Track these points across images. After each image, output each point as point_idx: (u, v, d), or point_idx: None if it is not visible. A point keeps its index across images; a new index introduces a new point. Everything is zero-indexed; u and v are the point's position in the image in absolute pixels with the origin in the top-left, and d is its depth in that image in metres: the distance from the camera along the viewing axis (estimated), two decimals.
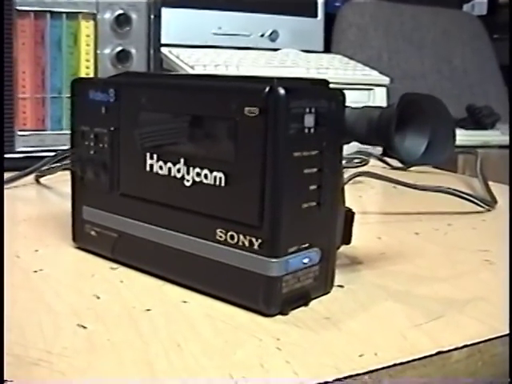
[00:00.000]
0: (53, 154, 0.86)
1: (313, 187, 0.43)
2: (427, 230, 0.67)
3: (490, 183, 0.86)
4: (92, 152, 0.52)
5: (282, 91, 0.40)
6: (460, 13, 2.14)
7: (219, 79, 0.47)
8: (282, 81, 0.41)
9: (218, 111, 0.43)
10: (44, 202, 0.80)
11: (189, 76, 0.51)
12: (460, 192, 0.75)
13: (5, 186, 0.80)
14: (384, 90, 1.21)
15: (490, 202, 0.77)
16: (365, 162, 0.94)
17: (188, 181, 0.45)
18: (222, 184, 0.43)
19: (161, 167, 0.47)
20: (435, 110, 0.45)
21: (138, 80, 0.52)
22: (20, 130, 0.92)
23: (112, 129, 0.50)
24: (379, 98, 1.19)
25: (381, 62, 1.75)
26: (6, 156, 0.90)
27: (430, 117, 0.45)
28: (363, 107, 0.46)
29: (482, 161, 0.92)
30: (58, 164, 0.84)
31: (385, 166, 1.04)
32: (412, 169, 1.02)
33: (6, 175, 0.81)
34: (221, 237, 0.44)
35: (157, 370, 0.35)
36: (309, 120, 0.41)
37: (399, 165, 1.03)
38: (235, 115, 0.41)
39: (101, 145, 0.52)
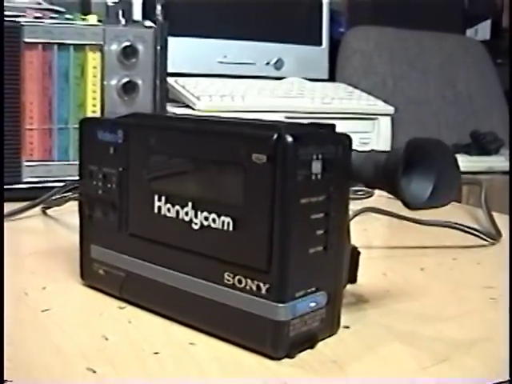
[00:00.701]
0: (59, 184, 0.87)
1: (320, 232, 0.43)
2: (432, 264, 0.68)
3: (495, 214, 0.86)
4: (100, 191, 0.53)
5: (289, 139, 0.40)
6: (463, 38, 2.15)
7: (228, 124, 0.47)
8: (289, 127, 0.42)
9: (227, 156, 0.43)
10: (51, 234, 0.80)
11: (198, 119, 0.52)
12: (464, 226, 0.75)
13: (11, 218, 0.80)
14: (389, 119, 1.22)
15: (495, 235, 0.77)
16: (369, 195, 0.94)
17: (196, 224, 0.45)
18: (230, 228, 0.43)
19: (169, 209, 0.47)
20: (441, 154, 0.46)
21: (147, 122, 0.52)
22: (27, 161, 0.93)
23: (121, 169, 0.51)
24: (384, 128, 1.20)
25: (385, 88, 1.76)
26: (12, 187, 0.91)
27: (435, 161, 0.46)
28: (370, 151, 0.46)
29: (486, 191, 0.93)
30: (67, 194, 0.85)
31: (390, 196, 1.04)
32: None
33: (12, 206, 0.82)
34: (228, 280, 0.44)
35: None
36: (316, 166, 0.42)
37: None
38: (243, 161, 0.42)
39: (109, 185, 0.52)
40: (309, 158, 0.41)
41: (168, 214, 0.47)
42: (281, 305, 0.42)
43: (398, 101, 1.53)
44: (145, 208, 0.49)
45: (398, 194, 0.44)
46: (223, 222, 0.44)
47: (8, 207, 0.81)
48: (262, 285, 0.42)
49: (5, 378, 0.35)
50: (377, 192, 0.99)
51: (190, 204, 0.46)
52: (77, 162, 0.92)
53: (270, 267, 0.42)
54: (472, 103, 1.96)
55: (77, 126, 0.92)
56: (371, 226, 0.84)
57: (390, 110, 1.23)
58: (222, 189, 0.44)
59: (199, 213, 0.45)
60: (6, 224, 0.78)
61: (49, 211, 0.86)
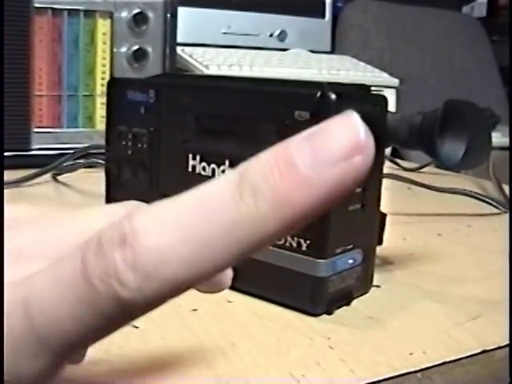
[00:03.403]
0: (69, 151, 0.87)
1: (358, 190, 0.44)
2: (449, 230, 0.68)
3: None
4: (130, 152, 0.53)
5: (333, 96, 0.41)
6: (460, 15, 2.16)
7: (266, 83, 0.47)
8: (331, 86, 0.42)
9: (268, 114, 0.44)
10: (64, 200, 0.80)
11: (233, 78, 0.52)
12: (479, 194, 0.76)
13: (22, 184, 0.80)
14: (393, 91, 1.23)
15: (506, 204, 0.78)
16: None
17: None
18: None
19: (204, 168, 0.48)
20: (474, 117, 0.46)
21: (181, 81, 0.52)
22: (36, 127, 0.92)
23: (152, 129, 0.51)
24: (389, 100, 1.20)
25: (382, 63, 1.76)
26: (21, 153, 0.91)
27: (469, 123, 0.46)
28: (404, 113, 0.47)
29: (494, 163, 0.93)
30: (78, 161, 0.85)
31: (396, 167, 1.05)
32: (421, 170, 1.03)
33: (22, 173, 0.81)
34: None
35: (217, 370, 0.36)
36: None
37: (409, 166, 1.05)
38: (285, 119, 0.42)
39: (139, 145, 0.52)
40: None
41: (203, 173, 0.48)
42: (321, 261, 0.42)
43: (395, 76, 1.53)
44: (178, 167, 0.49)
45: (433, 153, 0.45)
46: None
47: (18, 174, 0.80)
48: (302, 241, 0.43)
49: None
50: (387, 163, 1.00)
51: (227, 162, 0.46)
52: (86, 130, 0.94)
53: (312, 224, 0.42)
54: (468, 79, 1.97)
55: (86, 93, 0.94)
56: (383, 194, 0.85)
57: (395, 82, 1.24)
58: (262, 146, 0.44)
59: None
60: (17, 190, 0.78)
61: (59, 178, 0.85)
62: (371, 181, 0.45)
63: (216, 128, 0.47)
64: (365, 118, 0.43)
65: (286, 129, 0.42)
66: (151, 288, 0.20)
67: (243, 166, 0.20)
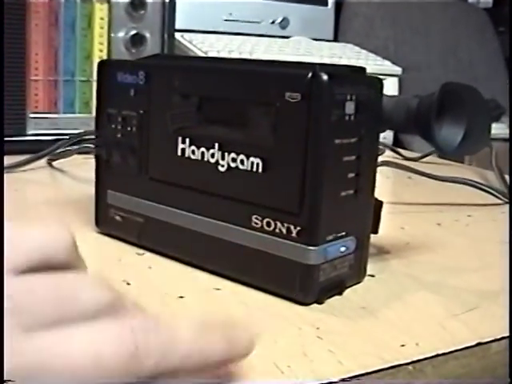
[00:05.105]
0: (65, 137, 0.85)
1: (351, 175, 0.42)
2: (448, 220, 0.67)
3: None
4: (119, 135, 0.52)
5: (325, 77, 0.39)
6: (466, 5, 2.13)
7: (257, 64, 0.46)
8: (323, 67, 0.40)
9: (257, 96, 0.42)
10: (59, 185, 0.79)
11: (224, 60, 0.50)
12: (480, 184, 0.74)
13: (16, 169, 0.79)
14: (396, 80, 1.21)
15: (508, 195, 0.76)
16: (381, 152, 0.93)
17: (223, 166, 0.44)
18: (260, 170, 0.42)
19: (193, 152, 0.46)
20: (473, 101, 0.45)
21: (171, 63, 0.51)
22: (32, 113, 0.91)
23: (141, 112, 0.50)
24: (391, 89, 1.18)
25: (387, 53, 1.74)
26: (17, 139, 0.89)
27: (467, 107, 0.45)
28: (400, 96, 0.45)
29: (497, 153, 0.92)
30: (73, 147, 0.83)
31: (396, 156, 1.03)
32: (422, 160, 1.02)
33: (17, 158, 0.80)
34: (256, 223, 0.43)
35: None
36: (350, 107, 0.41)
37: (411, 155, 1.03)
38: (275, 100, 0.41)
39: (129, 128, 0.51)
40: (343, 98, 0.40)
41: (192, 157, 0.46)
42: (312, 248, 0.41)
43: (399, 66, 1.51)
44: (167, 151, 0.48)
45: (429, 138, 0.43)
46: (252, 164, 0.43)
47: (13, 159, 0.79)
48: (292, 227, 0.41)
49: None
50: (386, 152, 0.99)
51: (216, 145, 0.45)
52: (83, 115, 0.92)
53: (302, 209, 0.41)
54: (473, 70, 1.94)
55: (83, 78, 0.93)
56: (383, 182, 0.83)
57: (398, 70, 1.22)
58: (252, 129, 0.43)
59: (226, 154, 0.44)
60: (12, 175, 0.77)
61: (54, 163, 0.84)
62: (365, 166, 0.43)
63: (205, 110, 0.45)
64: (358, 101, 0.41)
65: (277, 111, 0.41)
66: None
67: None
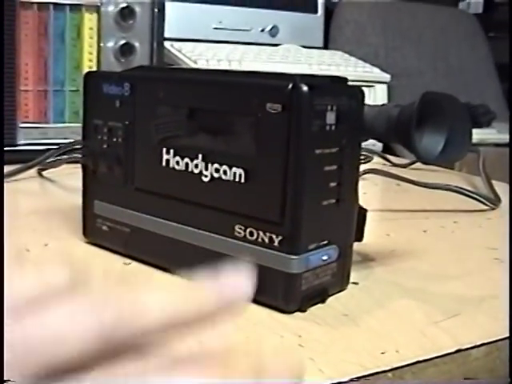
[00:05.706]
0: (55, 146, 0.86)
1: (332, 184, 0.43)
2: (434, 227, 0.67)
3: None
4: (105, 146, 0.52)
5: (305, 88, 0.40)
6: (456, 11, 2.15)
7: (239, 75, 0.46)
8: (303, 77, 0.41)
9: (239, 107, 0.43)
10: (49, 195, 0.79)
11: (207, 71, 0.51)
12: (466, 190, 0.75)
13: (7, 179, 0.79)
14: (385, 87, 1.22)
15: (494, 201, 0.77)
16: (369, 159, 0.94)
17: (206, 176, 0.45)
18: (242, 180, 0.43)
19: (178, 162, 0.47)
20: (454, 110, 0.45)
21: (155, 74, 0.51)
22: (22, 123, 0.91)
23: (127, 123, 0.50)
24: (380, 95, 1.19)
25: (378, 59, 1.75)
26: (7, 149, 0.89)
27: (448, 116, 0.45)
28: (382, 105, 0.46)
29: (484, 159, 0.92)
30: (63, 157, 0.84)
31: (385, 162, 1.04)
32: (412, 166, 1.02)
33: (7, 168, 0.81)
34: (239, 233, 0.44)
35: None
36: (330, 117, 0.41)
37: (399, 162, 1.04)
38: (257, 111, 0.41)
39: (115, 139, 0.51)
40: (323, 108, 0.41)
41: (177, 167, 0.47)
42: (294, 257, 0.41)
43: (390, 72, 1.51)
44: (152, 162, 0.48)
45: (410, 147, 0.44)
46: (235, 174, 0.43)
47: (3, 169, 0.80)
48: (274, 237, 0.42)
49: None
50: (375, 158, 0.99)
51: (200, 156, 0.45)
52: (73, 125, 0.92)
53: (284, 219, 0.41)
54: (464, 76, 1.95)
55: (73, 88, 0.93)
56: (371, 190, 0.84)
57: (386, 77, 1.23)
58: (234, 140, 0.43)
59: (210, 165, 0.44)
60: None
61: (44, 173, 0.85)
62: (347, 175, 0.43)
63: (189, 121, 0.46)
64: (339, 111, 0.42)
65: (258, 122, 0.41)
66: None
67: None
